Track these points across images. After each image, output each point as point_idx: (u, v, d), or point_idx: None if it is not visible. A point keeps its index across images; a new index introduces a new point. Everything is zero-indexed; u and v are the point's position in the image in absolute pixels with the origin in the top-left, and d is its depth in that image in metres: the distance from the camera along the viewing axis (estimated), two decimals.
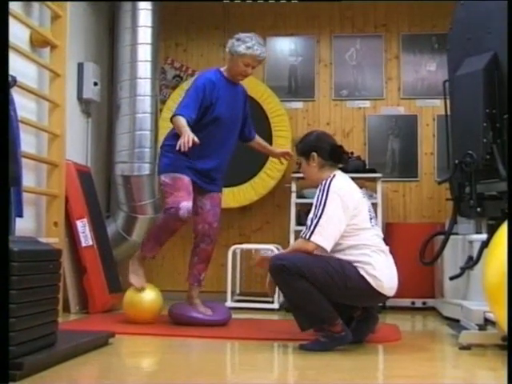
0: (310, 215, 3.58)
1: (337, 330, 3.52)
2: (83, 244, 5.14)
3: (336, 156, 3.79)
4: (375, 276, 3.51)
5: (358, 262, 3.53)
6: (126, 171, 5.85)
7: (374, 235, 3.65)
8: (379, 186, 5.87)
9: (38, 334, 2.92)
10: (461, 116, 4.13)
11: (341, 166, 3.87)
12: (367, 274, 3.50)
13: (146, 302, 4.48)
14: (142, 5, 6.00)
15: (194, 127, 4.28)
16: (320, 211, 3.52)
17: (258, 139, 4.83)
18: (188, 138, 4.02)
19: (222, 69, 4.58)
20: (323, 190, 3.59)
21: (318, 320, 3.57)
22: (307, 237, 3.52)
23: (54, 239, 4.72)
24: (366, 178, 5.99)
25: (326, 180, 3.66)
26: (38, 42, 4.91)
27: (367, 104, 6.45)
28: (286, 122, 6.26)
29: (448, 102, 4.31)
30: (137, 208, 5.93)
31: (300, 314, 3.62)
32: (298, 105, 6.51)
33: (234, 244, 5.72)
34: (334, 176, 3.69)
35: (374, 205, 5.79)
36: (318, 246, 3.52)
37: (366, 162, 6.18)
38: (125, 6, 6.04)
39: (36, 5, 4.95)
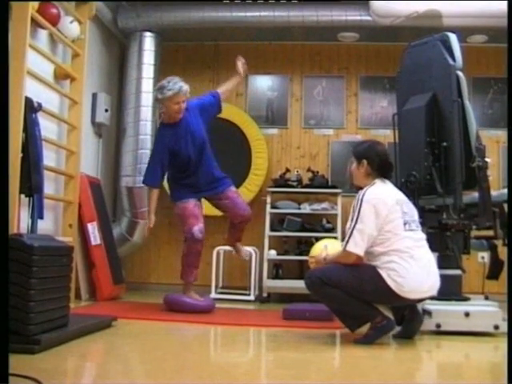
0: (347, 225, 3.29)
1: (377, 321, 3.24)
2: (93, 243, 5.12)
3: (383, 170, 3.45)
4: (395, 280, 3.14)
5: (384, 267, 3.19)
6: (129, 183, 5.85)
7: (406, 239, 3.23)
8: (339, 200, 5.88)
9: (53, 316, 2.92)
10: (406, 143, 4.19)
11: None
12: (388, 278, 3.16)
13: None
14: (146, 46, 6.04)
15: (175, 169, 4.46)
16: (354, 222, 3.22)
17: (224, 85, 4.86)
18: (150, 222, 4.39)
19: (163, 121, 4.40)
20: (358, 200, 3.27)
21: (359, 319, 3.30)
22: (344, 247, 3.25)
23: (69, 238, 4.71)
24: (329, 192, 6.03)
25: (363, 190, 3.33)
26: (61, 75, 4.92)
27: (331, 132, 6.49)
28: (264, 146, 6.28)
29: (396, 131, 4.37)
30: (138, 214, 5.91)
31: (342, 317, 3.37)
32: (274, 131, 6.53)
33: (218, 246, 5.70)
34: (372, 184, 3.37)
35: (335, 215, 5.85)
36: (352, 253, 3.22)
37: (329, 180, 6.21)
38: (132, 47, 6.07)
39: (60, 45, 4.97)
